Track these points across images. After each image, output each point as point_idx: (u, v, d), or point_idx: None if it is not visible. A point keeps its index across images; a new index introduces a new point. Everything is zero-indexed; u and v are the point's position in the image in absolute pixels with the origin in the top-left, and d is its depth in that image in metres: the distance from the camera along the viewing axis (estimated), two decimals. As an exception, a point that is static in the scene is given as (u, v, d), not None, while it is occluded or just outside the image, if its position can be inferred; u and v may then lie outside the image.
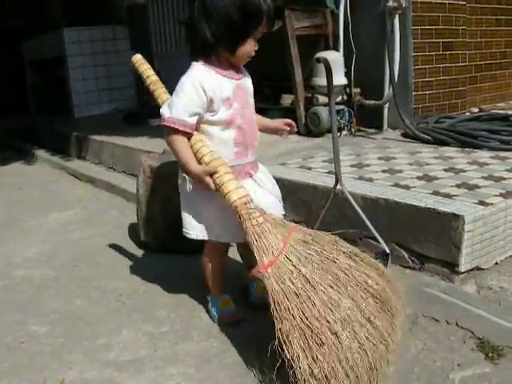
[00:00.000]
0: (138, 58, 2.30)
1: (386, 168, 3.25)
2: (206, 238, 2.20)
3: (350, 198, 2.45)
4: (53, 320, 2.47)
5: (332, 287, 1.76)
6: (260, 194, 2.11)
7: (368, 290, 1.81)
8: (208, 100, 2.03)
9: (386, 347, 1.76)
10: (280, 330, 1.69)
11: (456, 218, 2.39)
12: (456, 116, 4.39)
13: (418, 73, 4.52)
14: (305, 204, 3.07)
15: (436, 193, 2.70)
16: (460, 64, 4.90)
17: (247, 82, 2.17)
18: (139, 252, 3.17)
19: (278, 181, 3.18)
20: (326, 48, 4.79)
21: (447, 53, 4.74)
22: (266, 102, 5.06)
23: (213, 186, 1.99)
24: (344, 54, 4.66)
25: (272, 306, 1.73)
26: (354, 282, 1.80)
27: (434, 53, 4.63)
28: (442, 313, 2.20)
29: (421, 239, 2.55)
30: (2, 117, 8.85)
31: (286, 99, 4.96)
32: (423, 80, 4.58)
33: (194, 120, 2.03)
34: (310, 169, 3.39)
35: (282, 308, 1.71)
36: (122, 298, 2.63)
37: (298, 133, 4.65)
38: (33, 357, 2.18)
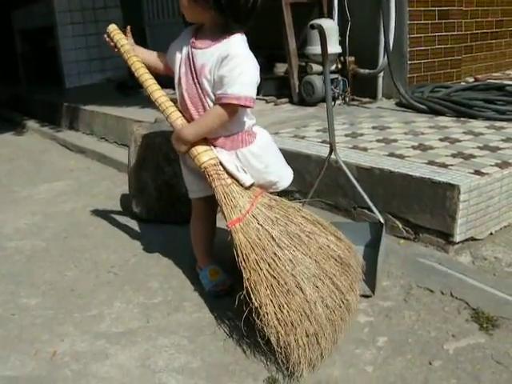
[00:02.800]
0: (113, 28, 2.28)
1: (380, 137, 3.21)
2: (190, 196, 2.30)
3: (345, 167, 2.41)
4: (44, 291, 2.44)
5: (296, 247, 1.86)
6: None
7: (330, 253, 1.92)
8: None
9: (347, 307, 1.87)
10: (248, 279, 1.79)
11: (451, 187, 2.37)
12: (451, 85, 4.34)
13: (413, 41, 4.45)
14: (298, 173, 3.03)
15: (431, 162, 2.67)
16: (456, 33, 4.83)
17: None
18: (131, 223, 3.14)
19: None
20: (321, 16, 4.70)
21: (443, 21, 4.67)
22: (260, 71, 4.96)
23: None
24: (338, 22, 4.59)
25: (240, 257, 1.83)
26: (317, 245, 1.91)
27: (429, 21, 4.55)
28: (437, 283, 2.19)
29: (415, 209, 2.52)
30: (-8, 86, 8.75)
31: (280, 68, 4.90)
32: (418, 49, 4.51)
33: None
34: (303, 138, 3.35)
35: (250, 260, 1.81)
36: (114, 269, 2.61)
37: (292, 102, 4.61)
38: (24, 329, 2.16)
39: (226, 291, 2.23)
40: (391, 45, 4.26)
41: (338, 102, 4.42)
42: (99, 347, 2.00)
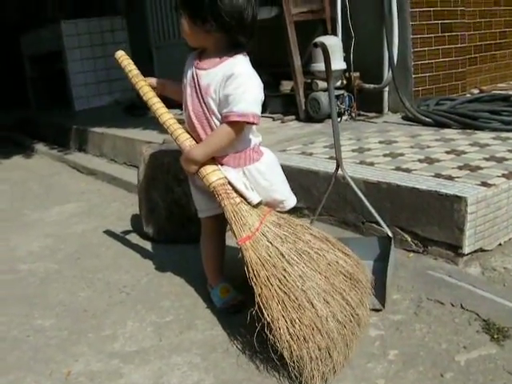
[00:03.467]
0: (120, 54, 2.36)
1: (387, 152, 3.23)
2: (199, 215, 2.33)
3: (352, 182, 2.44)
4: (58, 313, 2.47)
5: (305, 264, 1.88)
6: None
7: (339, 269, 1.94)
8: None
9: (357, 322, 1.89)
10: (259, 295, 1.82)
11: (458, 199, 2.38)
12: (456, 98, 4.36)
13: (417, 55, 4.48)
14: (306, 190, 3.07)
15: (438, 175, 2.69)
16: (459, 45, 4.87)
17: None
18: (142, 243, 3.17)
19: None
20: (325, 33, 4.75)
21: (446, 34, 4.70)
22: (266, 89, 5.00)
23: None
24: (342, 38, 4.63)
25: (251, 274, 1.86)
26: (326, 262, 1.94)
27: (432, 34, 4.59)
28: (447, 295, 2.19)
29: (423, 222, 2.54)
30: (2, 111, 8.84)
31: (286, 86, 4.93)
32: (423, 62, 4.55)
33: None
34: (310, 154, 3.38)
35: (261, 276, 1.84)
36: (126, 289, 2.63)
37: (298, 119, 4.64)
38: (39, 350, 2.18)
39: (238, 308, 2.24)
40: (395, 59, 4.29)
41: (344, 117, 4.45)
42: (113, 367, 2.02)
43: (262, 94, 2.06)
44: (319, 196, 2.89)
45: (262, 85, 2.05)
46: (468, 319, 2.04)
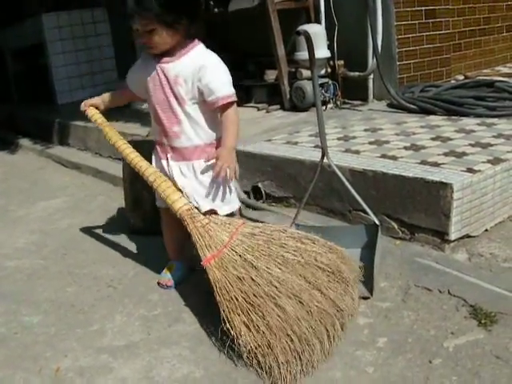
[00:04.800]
0: (91, 114, 2.50)
1: (372, 139, 3.23)
2: (157, 204, 2.51)
3: (337, 171, 2.43)
4: (45, 309, 2.45)
5: (280, 268, 1.92)
6: (182, 181, 2.27)
7: (318, 265, 1.98)
8: None
9: (341, 312, 1.93)
10: (224, 311, 1.89)
11: (444, 186, 2.39)
12: (441, 84, 4.36)
13: (401, 42, 4.48)
14: (292, 179, 3.06)
15: (424, 162, 2.69)
16: (443, 31, 4.87)
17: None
18: (128, 236, 3.15)
19: (265, 157, 3.19)
20: (308, 21, 4.74)
21: (430, 20, 4.71)
22: (251, 79, 5.04)
23: None
24: (326, 26, 4.62)
25: (215, 292, 1.93)
26: (303, 261, 1.96)
27: (416, 21, 4.59)
28: (434, 282, 2.21)
29: (410, 209, 2.54)
30: (-17, 107, 8.74)
31: (270, 75, 4.92)
32: (407, 49, 4.55)
33: None
34: (296, 143, 3.37)
35: (225, 292, 1.91)
36: (113, 283, 2.62)
37: (283, 108, 4.63)
38: (27, 347, 2.17)
39: (163, 288, 2.48)
40: (380, 47, 4.29)
41: (329, 105, 4.45)
42: (102, 361, 2.01)
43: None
44: (305, 185, 2.88)
45: (226, 67, 2.25)
46: (455, 305, 2.06)
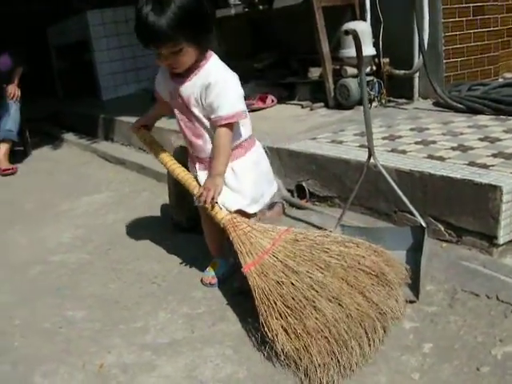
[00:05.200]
0: (140, 135, 2.57)
1: (418, 139, 3.18)
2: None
3: (384, 171, 2.40)
4: (89, 304, 2.48)
5: (322, 272, 1.93)
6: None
7: (361, 268, 1.98)
8: None
9: (384, 315, 1.92)
10: (262, 315, 1.91)
11: (493, 188, 2.33)
12: (489, 83, 4.27)
13: (448, 40, 4.39)
14: (337, 179, 3.03)
15: (472, 163, 2.63)
16: (492, 28, 4.76)
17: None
18: (173, 232, 3.16)
19: (309, 156, 3.17)
20: (353, 18, 4.68)
21: (478, 17, 4.60)
22: (295, 76, 5.02)
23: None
24: (371, 23, 4.55)
25: (255, 297, 1.95)
26: (346, 265, 1.96)
27: (464, 18, 4.49)
28: (482, 287, 2.15)
29: (457, 212, 2.49)
30: (30, 102, 8.90)
31: (314, 72, 4.88)
32: (454, 47, 4.46)
33: None
34: (341, 142, 3.34)
35: (263, 297, 1.92)
36: (157, 279, 2.63)
37: (327, 106, 4.59)
38: (71, 342, 2.19)
39: (206, 286, 2.49)
40: (426, 44, 4.21)
41: (374, 104, 4.39)
42: (146, 358, 2.03)
43: (241, 88, 2.21)
44: (350, 185, 2.86)
45: (237, 77, 2.22)
46: (504, 311, 2.00)
